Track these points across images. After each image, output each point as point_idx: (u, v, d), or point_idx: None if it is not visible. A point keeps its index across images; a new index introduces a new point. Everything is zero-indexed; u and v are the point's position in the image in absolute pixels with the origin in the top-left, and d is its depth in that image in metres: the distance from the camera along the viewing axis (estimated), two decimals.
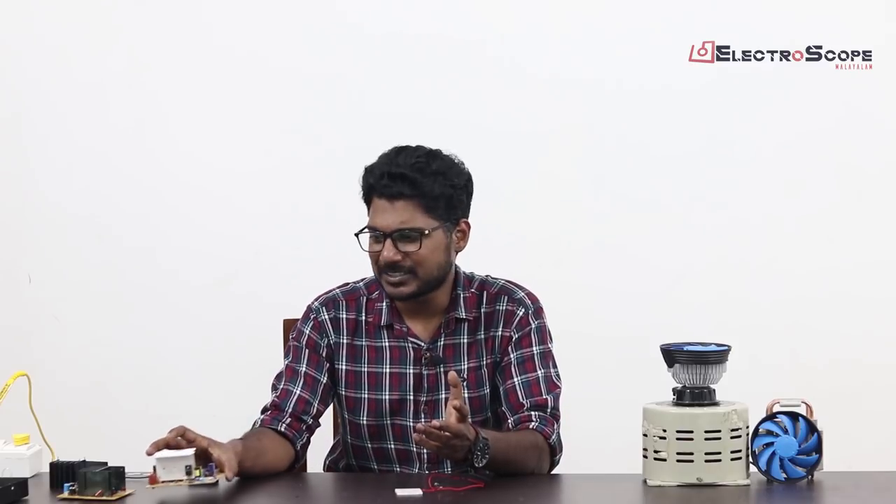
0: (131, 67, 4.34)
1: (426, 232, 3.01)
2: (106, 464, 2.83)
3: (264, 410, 3.09)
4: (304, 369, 3.10)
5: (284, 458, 3.02)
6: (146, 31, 4.33)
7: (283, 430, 3.03)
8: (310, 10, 4.32)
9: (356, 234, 3.06)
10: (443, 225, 3.04)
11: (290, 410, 3.05)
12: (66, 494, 2.75)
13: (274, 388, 3.11)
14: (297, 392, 3.08)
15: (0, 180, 4.37)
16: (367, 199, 3.06)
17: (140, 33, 4.33)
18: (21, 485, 2.77)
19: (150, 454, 2.71)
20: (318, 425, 3.13)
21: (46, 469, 2.90)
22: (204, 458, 2.76)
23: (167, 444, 2.75)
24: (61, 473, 2.82)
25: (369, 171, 3.05)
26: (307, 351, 3.11)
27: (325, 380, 3.10)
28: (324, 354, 3.12)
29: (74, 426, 3.89)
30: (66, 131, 4.36)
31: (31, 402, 2.95)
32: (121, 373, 4.34)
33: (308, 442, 3.09)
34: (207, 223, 4.34)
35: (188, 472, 2.68)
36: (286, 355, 3.15)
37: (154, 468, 2.70)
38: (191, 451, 2.71)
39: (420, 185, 3.01)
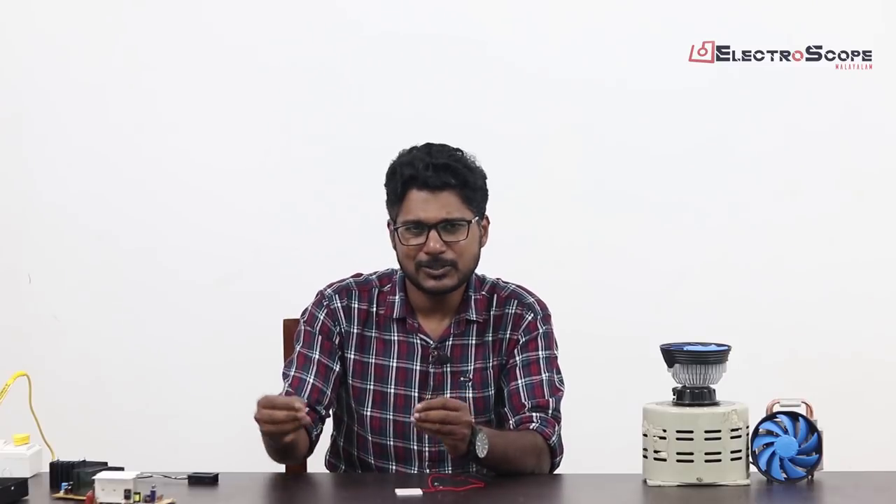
0: (131, 68, 4.33)
1: (470, 222, 3.04)
2: (106, 464, 2.83)
3: None
4: (316, 356, 3.09)
5: (304, 447, 3.02)
6: (146, 31, 4.33)
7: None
8: (310, 10, 4.31)
9: (395, 230, 3.05)
10: (476, 217, 3.06)
11: (307, 400, 3.02)
12: (61, 493, 2.75)
13: (285, 375, 3.09)
14: (311, 381, 3.06)
15: (0, 180, 4.37)
16: (403, 193, 3.03)
17: (140, 34, 4.33)
18: (21, 485, 2.77)
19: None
20: (329, 415, 3.13)
21: (46, 469, 2.90)
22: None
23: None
24: (61, 473, 2.82)
25: (406, 164, 3.04)
26: (320, 337, 3.11)
27: (337, 368, 3.10)
28: (336, 342, 3.12)
29: (74, 426, 3.89)
30: (65, 132, 4.35)
31: (31, 402, 2.95)
32: (121, 373, 4.34)
33: (321, 432, 3.08)
34: (207, 223, 4.34)
35: (127, 496, 2.61)
36: (297, 340, 3.13)
37: (93, 487, 2.64)
38: (132, 475, 2.65)
39: (463, 175, 3.03)
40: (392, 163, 3.08)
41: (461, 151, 3.08)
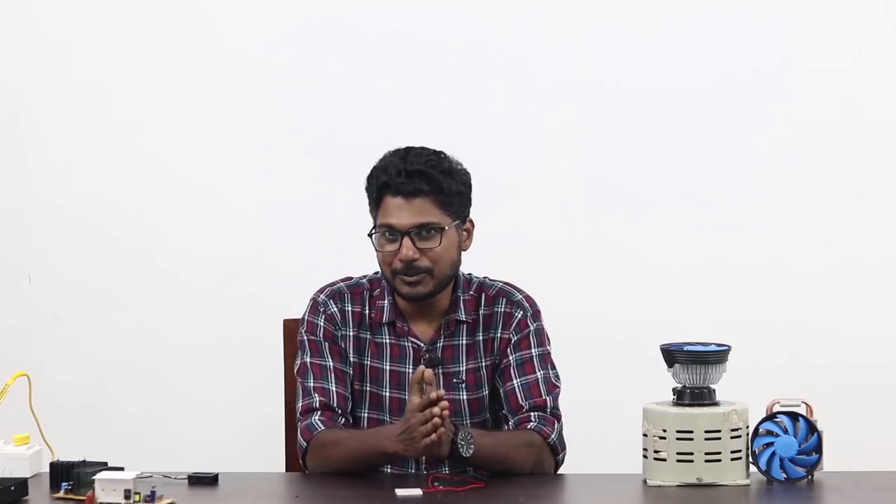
0: (131, 68, 4.33)
1: (445, 228, 3.02)
2: (106, 464, 2.83)
3: (307, 412, 3.04)
4: (331, 364, 3.09)
5: None
6: (146, 31, 4.32)
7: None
8: (309, 11, 4.31)
9: (369, 235, 3.05)
10: (455, 222, 3.04)
11: (339, 410, 3.04)
12: (61, 493, 2.75)
13: (305, 388, 3.07)
14: (335, 389, 3.06)
15: (0, 180, 4.37)
16: (378, 198, 3.03)
17: (140, 34, 4.32)
18: (21, 485, 2.77)
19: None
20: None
21: (46, 469, 2.91)
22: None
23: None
24: (61, 473, 2.82)
25: (381, 170, 3.03)
26: (327, 344, 3.11)
27: (350, 371, 3.10)
28: (343, 345, 3.11)
29: (74, 426, 3.89)
30: (65, 132, 4.35)
31: (31, 402, 2.95)
32: (121, 373, 4.34)
33: None
34: (207, 223, 4.34)
35: (127, 496, 2.62)
36: (303, 351, 3.12)
37: (93, 487, 2.64)
38: (132, 475, 2.65)
39: (437, 181, 3.01)
40: (372, 167, 3.08)
41: (442, 154, 3.06)
